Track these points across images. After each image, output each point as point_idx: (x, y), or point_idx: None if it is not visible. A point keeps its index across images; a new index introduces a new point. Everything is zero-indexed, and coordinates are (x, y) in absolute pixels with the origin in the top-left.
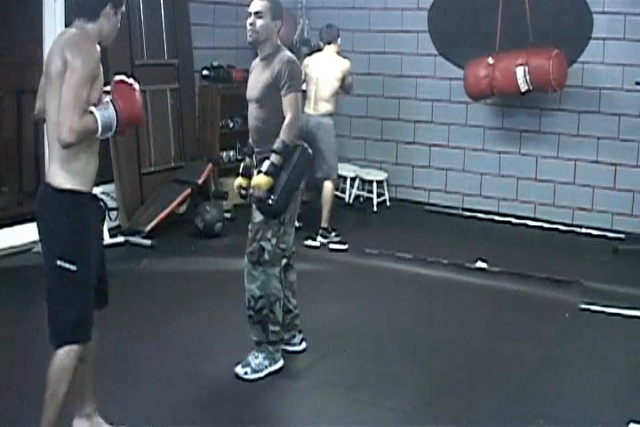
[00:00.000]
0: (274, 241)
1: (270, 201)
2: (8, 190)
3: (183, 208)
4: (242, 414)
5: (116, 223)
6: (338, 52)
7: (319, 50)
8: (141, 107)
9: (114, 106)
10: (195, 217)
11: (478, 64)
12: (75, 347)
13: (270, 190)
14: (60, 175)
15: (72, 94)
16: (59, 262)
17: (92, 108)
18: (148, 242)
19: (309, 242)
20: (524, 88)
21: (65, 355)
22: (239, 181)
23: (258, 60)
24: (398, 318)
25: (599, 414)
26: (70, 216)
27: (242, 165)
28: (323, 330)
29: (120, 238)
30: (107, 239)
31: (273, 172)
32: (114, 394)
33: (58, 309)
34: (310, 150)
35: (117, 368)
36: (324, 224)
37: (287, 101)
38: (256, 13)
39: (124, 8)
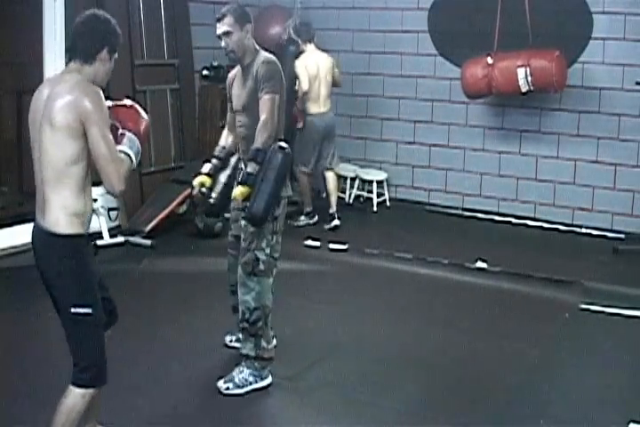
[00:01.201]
0: (268, 251)
1: (250, 208)
2: (8, 190)
3: (183, 208)
4: (242, 414)
5: (116, 223)
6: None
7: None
8: (145, 119)
9: (132, 133)
10: (195, 217)
11: (476, 63)
12: (92, 391)
13: (248, 199)
14: (62, 220)
15: (107, 148)
16: (74, 310)
17: (120, 147)
18: (148, 242)
19: (309, 242)
20: (524, 89)
21: (80, 397)
22: (202, 179)
23: (237, 70)
24: (398, 317)
25: (599, 414)
26: (75, 261)
27: (208, 165)
28: (323, 330)
29: (120, 238)
30: (107, 239)
31: (247, 180)
32: (113, 394)
33: (83, 353)
34: (288, 150)
35: (117, 368)
36: (334, 209)
37: (262, 103)
38: (225, 34)
39: (116, 55)
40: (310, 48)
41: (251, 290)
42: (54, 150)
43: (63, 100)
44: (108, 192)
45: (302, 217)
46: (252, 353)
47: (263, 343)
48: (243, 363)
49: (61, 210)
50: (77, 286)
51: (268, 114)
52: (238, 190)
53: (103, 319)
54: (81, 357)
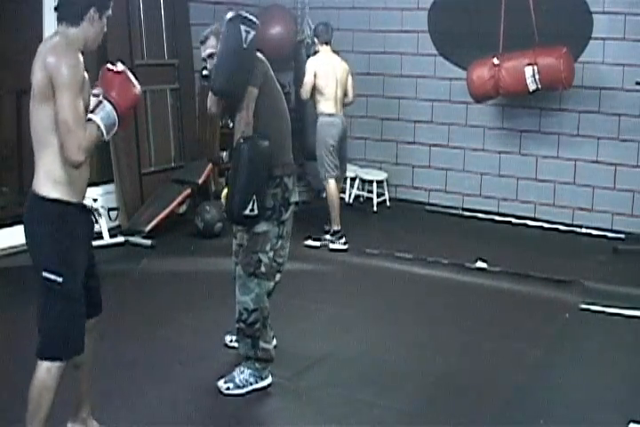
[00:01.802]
0: (271, 254)
1: (225, 206)
2: (8, 190)
3: (183, 208)
4: (242, 414)
5: (116, 223)
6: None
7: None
8: (134, 87)
9: (109, 101)
10: (195, 217)
11: (483, 65)
12: (57, 364)
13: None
14: (46, 184)
15: (70, 114)
16: (44, 274)
17: (91, 116)
18: (148, 242)
19: (309, 242)
20: (532, 87)
21: (46, 371)
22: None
23: None
24: (398, 317)
25: (599, 414)
26: (56, 227)
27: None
28: (322, 330)
29: (120, 238)
30: (107, 239)
31: (227, 180)
32: (113, 394)
33: (45, 321)
34: (254, 140)
35: (117, 368)
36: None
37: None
38: (209, 56)
39: (110, 11)
40: (325, 49)
41: (250, 291)
42: (33, 116)
43: (38, 63)
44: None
45: (327, 236)
46: (251, 353)
47: (262, 344)
48: (243, 363)
49: (46, 175)
50: (53, 251)
51: (242, 109)
52: (223, 192)
53: (77, 294)
54: (42, 325)
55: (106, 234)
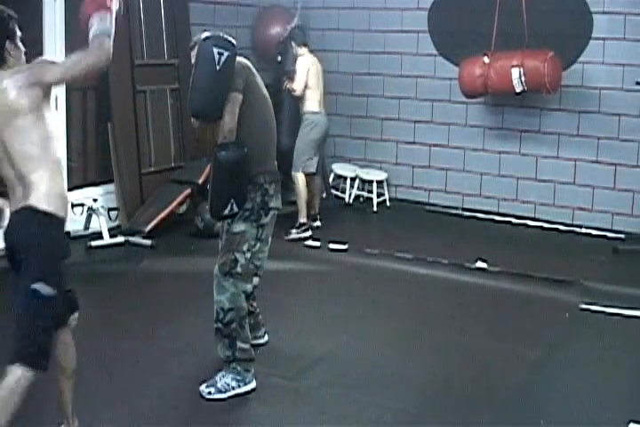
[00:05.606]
0: (248, 255)
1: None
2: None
3: (183, 208)
4: (242, 414)
5: (116, 223)
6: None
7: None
8: None
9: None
10: (195, 217)
11: (474, 62)
12: (33, 373)
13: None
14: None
15: None
16: (37, 285)
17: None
18: (148, 242)
19: (309, 242)
20: (518, 89)
21: (23, 376)
22: None
23: None
24: (398, 318)
25: (599, 414)
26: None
27: None
28: (322, 330)
29: (120, 238)
30: (107, 239)
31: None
32: (113, 394)
33: (29, 330)
34: (236, 150)
35: (117, 368)
36: (317, 210)
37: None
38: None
39: (19, 32)
40: (305, 51)
41: (226, 290)
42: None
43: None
44: None
45: (293, 230)
46: (228, 354)
47: (240, 344)
48: (225, 368)
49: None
50: (50, 265)
51: (226, 114)
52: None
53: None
54: (26, 333)
55: (106, 234)
